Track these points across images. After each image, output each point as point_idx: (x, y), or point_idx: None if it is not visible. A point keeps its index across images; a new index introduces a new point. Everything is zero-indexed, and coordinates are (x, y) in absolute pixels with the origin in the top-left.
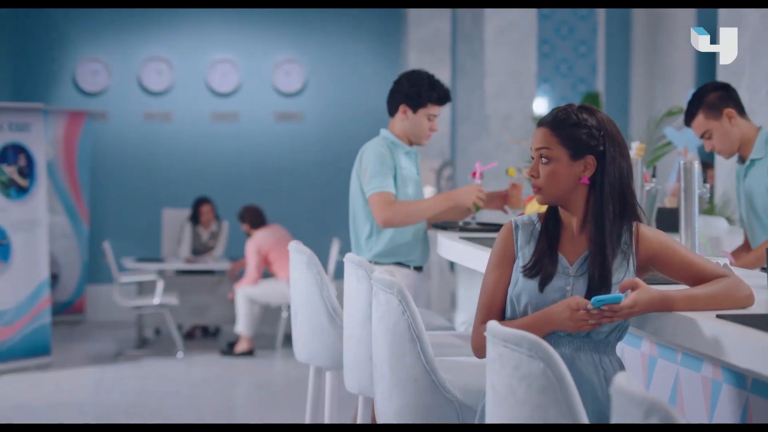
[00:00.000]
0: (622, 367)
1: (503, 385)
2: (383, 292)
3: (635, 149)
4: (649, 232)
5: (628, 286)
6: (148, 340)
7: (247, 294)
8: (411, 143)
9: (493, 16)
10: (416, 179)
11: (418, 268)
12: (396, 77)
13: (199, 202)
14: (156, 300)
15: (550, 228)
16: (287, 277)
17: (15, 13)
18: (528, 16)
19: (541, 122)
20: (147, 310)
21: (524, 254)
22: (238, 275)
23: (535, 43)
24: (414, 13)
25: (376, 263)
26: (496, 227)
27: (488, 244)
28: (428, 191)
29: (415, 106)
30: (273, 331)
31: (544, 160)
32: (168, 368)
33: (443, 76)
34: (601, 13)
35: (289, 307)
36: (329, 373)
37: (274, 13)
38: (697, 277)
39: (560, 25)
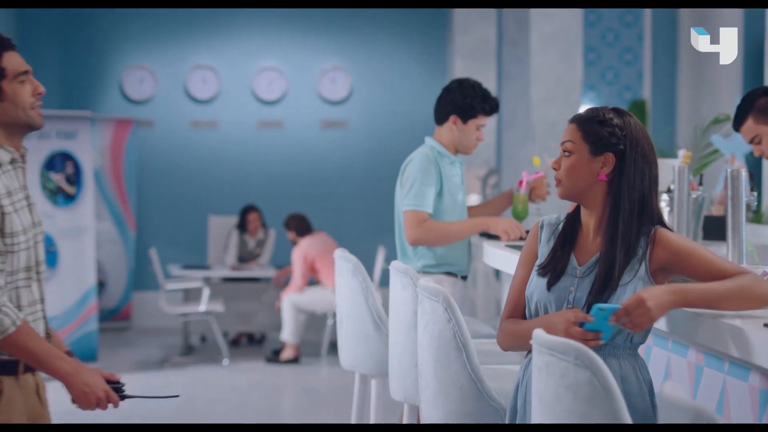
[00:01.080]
0: (644, 369)
1: (549, 393)
2: (428, 299)
3: (682, 157)
4: (668, 235)
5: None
6: (193, 347)
7: (292, 302)
8: (457, 152)
9: (539, 22)
10: (462, 188)
11: (464, 277)
12: (443, 84)
13: (247, 210)
14: (202, 307)
15: (568, 228)
16: (333, 284)
17: (62, 21)
18: (574, 22)
19: (572, 118)
20: (193, 317)
21: (543, 253)
22: (283, 283)
23: (581, 50)
24: (459, 20)
25: (425, 273)
26: None
27: None
28: (473, 199)
29: (466, 117)
30: (318, 339)
31: (566, 153)
32: (213, 375)
33: (488, 82)
34: (647, 20)
35: (334, 315)
36: (374, 381)
37: (320, 21)
38: (716, 275)
39: (606, 33)
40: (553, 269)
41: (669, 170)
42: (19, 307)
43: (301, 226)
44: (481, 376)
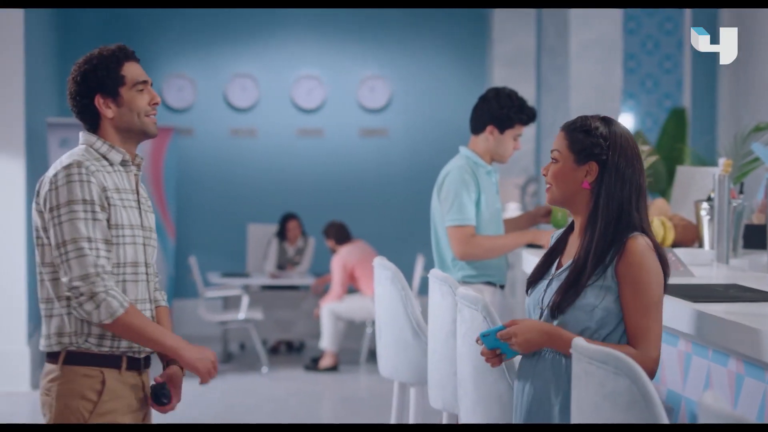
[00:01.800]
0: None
1: (588, 402)
2: (468, 308)
3: (722, 165)
4: (635, 249)
5: (509, 325)
6: (232, 355)
7: (332, 310)
8: (492, 161)
9: (578, 30)
10: (498, 197)
11: (503, 286)
12: (481, 92)
13: (286, 218)
14: (241, 315)
15: (563, 235)
16: (372, 292)
17: (102, 29)
18: (613, 30)
19: (562, 126)
20: (232, 324)
21: None
22: (322, 291)
23: (620, 58)
24: (498, 28)
25: (465, 283)
26: None
27: None
28: (512, 207)
29: (503, 127)
30: (357, 347)
31: (553, 160)
32: (252, 383)
33: (528, 90)
34: (686, 27)
35: (373, 323)
36: (413, 389)
37: (360, 29)
38: (630, 323)
39: (646, 40)
40: (534, 274)
41: (709, 179)
42: None
43: (340, 234)
44: None
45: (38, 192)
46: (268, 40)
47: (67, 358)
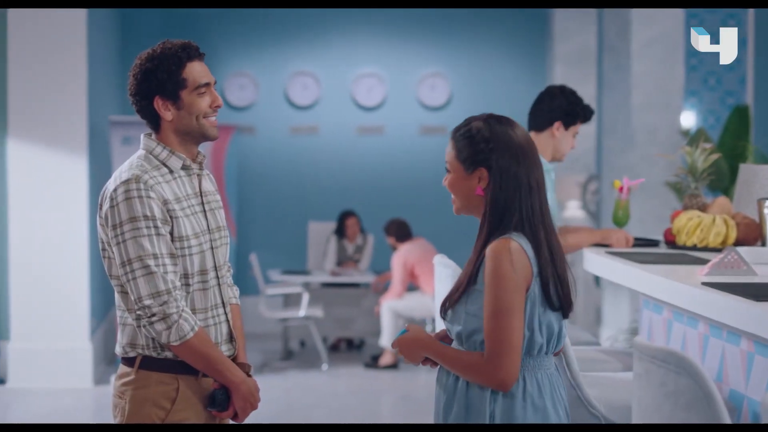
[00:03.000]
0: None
1: (649, 401)
2: None
3: None
4: (489, 253)
5: (407, 328)
6: (293, 352)
7: (392, 307)
8: (552, 159)
9: (639, 28)
10: (554, 196)
11: None
12: (539, 91)
13: (345, 216)
14: (301, 312)
15: None
16: (432, 290)
17: (164, 28)
18: (675, 27)
19: (451, 133)
20: (292, 322)
21: None
22: (382, 289)
23: (682, 56)
24: (560, 27)
25: None
26: (645, 242)
27: (635, 258)
28: (573, 205)
29: (569, 123)
30: None
31: (447, 171)
32: (313, 380)
33: (589, 89)
34: (750, 23)
35: (433, 321)
36: None
37: (420, 27)
38: (485, 325)
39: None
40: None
41: None
42: (193, 310)
43: (401, 231)
44: (580, 383)
45: (101, 205)
46: (329, 38)
47: (143, 363)
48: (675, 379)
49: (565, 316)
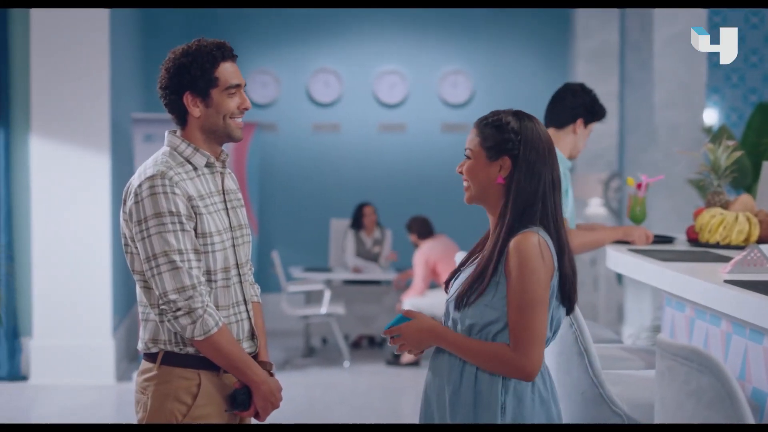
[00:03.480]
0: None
1: (672, 399)
2: None
3: None
4: (516, 246)
5: (405, 314)
6: (314, 349)
7: (413, 305)
8: (570, 157)
9: (662, 25)
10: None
11: None
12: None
13: (361, 206)
14: (323, 309)
15: (485, 235)
16: None
17: (186, 26)
18: (698, 24)
19: (475, 122)
20: (314, 319)
21: None
22: (404, 286)
23: (705, 53)
24: (582, 24)
25: None
26: (663, 239)
27: (657, 256)
28: (595, 203)
29: (590, 120)
30: None
31: (467, 157)
32: (334, 377)
33: (611, 86)
34: None
35: None
36: None
37: (442, 24)
38: (510, 319)
39: None
40: (452, 273)
41: None
42: (216, 308)
43: (423, 228)
44: (602, 381)
45: (124, 201)
46: (351, 36)
47: (165, 358)
48: (698, 377)
49: (569, 312)
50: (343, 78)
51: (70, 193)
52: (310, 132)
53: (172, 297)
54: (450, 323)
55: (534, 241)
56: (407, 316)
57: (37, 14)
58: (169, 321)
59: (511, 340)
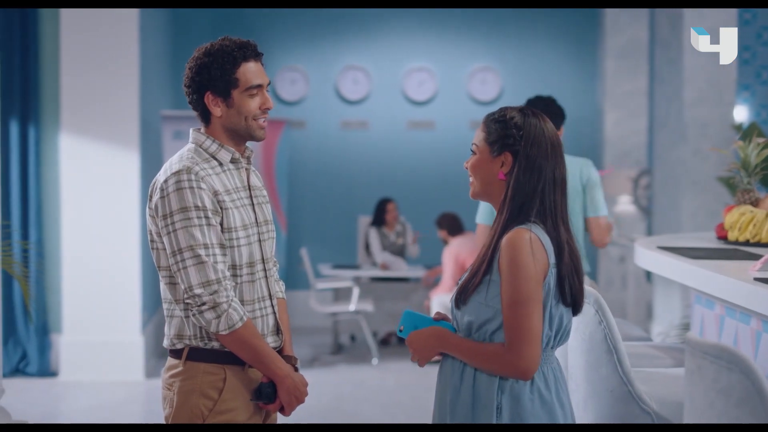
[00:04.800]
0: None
1: (701, 397)
2: None
3: None
4: (508, 242)
5: (438, 318)
6: (343, 347)
7: (442, 302)
8: None
9: (691, 22)
10: None
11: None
12: (594, 86)
13: (384, 202)
14: (352, 306)
15: None
16: None
17: (215, 23)
18: (728, 21)
19: (484, 117)
20: (343, 316)
21: None
22: (432, 283)
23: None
24: (611, 20)
25: None
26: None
27: (686, 254)
28: (624, 200)
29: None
30: None
31: (472, 153)
32: (363, 374)
33: (641, 83)
34: None
35: None
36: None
37: (471, 21)
38: (504, 318)
39: (762, 32)
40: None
41: None
42: (241, 302)
43: (453, 225)
44: (632, 378)
45: (150, 196)
46: (380, 33)
47: (190, 354)
48: (727, 375)
49: (576, 313)
50: (371, 75)
51: (100, 190)
52: (338, 129)
53: (198, 291)
54: (454, 322)
55: (525, 238)
56: (437, 319)
57: (67, 13)
58: (194, 315)
59: (506, 339)
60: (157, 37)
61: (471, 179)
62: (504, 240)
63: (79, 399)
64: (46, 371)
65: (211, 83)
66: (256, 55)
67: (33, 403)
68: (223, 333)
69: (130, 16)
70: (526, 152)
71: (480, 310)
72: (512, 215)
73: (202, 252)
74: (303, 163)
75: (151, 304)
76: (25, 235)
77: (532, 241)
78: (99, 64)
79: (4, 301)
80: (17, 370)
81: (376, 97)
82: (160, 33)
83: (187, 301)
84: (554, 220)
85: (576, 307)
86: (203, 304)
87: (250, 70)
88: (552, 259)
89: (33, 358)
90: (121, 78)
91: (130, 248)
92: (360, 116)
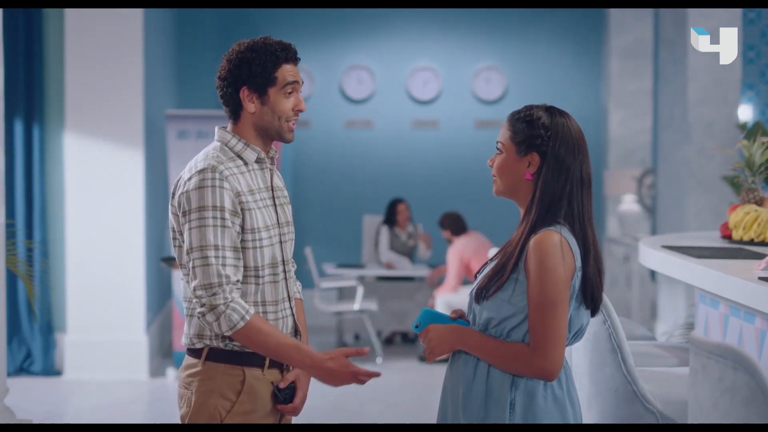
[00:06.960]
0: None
1: (706, 396)
2: None
3: None
4: (536, 245)
5: (455, 316)
6: (347, 346)
7: (446, 301)
8: None
9: (696, 21)
10: None
11: None
12: (598, 85)
13: (396, 203)
14: (356, 306)
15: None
16: None
17: (220, 23)
18: (732, 21)
19: (508, 116)
20: (347, 315)
21: None
22: (437, 282)
23: (740, 49)
24: (616, 20)
25: None
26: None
27: (691, 253)
28: (628, 199)
29: None
30: None
31: (498, 151)
32: None
33: (645, 82)
34: None
35: None
36: None
37: (475, 21)
38: (530, 321)
39: (766, 31)
40: (481, 267)
41: None
42: (264, 303)
43: (456, 225)
44: (636, 378)
45: (173, 194)
46: (384, 33)
47: (210, 355)
48: (732, 374)
49: (594, 314)
50: (376, 74)
51: (104, 189)
52: (343, 128)
53: (199, 293)
54: (470, 316)
55: (555, 240)
56: (454, 318)
57: (71, 13)
58: (198, 317)
59: (531, 340)
60: (161, 37)
61: (494, 177)
62: (532, 241)
63: (83, 398)
64: (51, 370)
65: (250, 78)
66: (295, 59)
67: (37, 403)
68: (228, 334)
69: (135, 15)
70: (554, 153)
71: (502, 307)
72: (540, 216)
73: (210, 253)
74: (307, 162)
75: (156, 303)
76: (29, 235)
77: (562, 244)
78: (103, 63)
79: (8, 300)
80: (21, 369)
81: (381, 97)
82: (165, 33)
83: (193, 300)
84: (581, 222)
85: (595, 309)
86: (203, 306)
87: (289, 71)
88: (578, 263)
89: (37, 357)
90: (125, 77)
91: (135, 247)
92: (364, 115)
